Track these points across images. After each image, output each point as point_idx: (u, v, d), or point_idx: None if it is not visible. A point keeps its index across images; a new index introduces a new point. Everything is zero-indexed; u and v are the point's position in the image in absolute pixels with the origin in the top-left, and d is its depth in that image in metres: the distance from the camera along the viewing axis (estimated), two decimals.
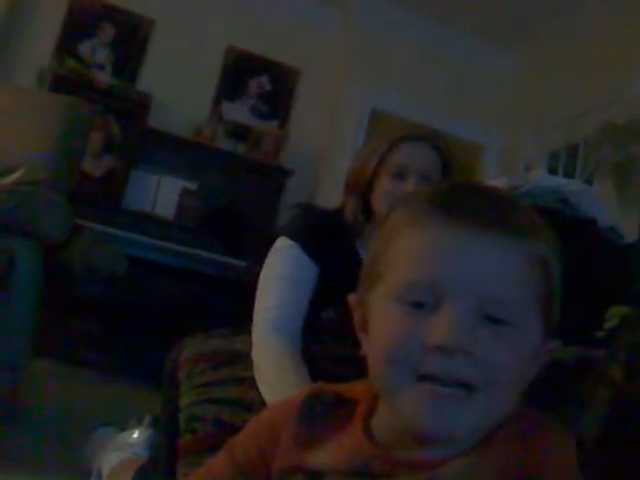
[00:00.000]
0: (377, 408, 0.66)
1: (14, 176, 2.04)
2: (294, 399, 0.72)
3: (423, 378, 0.57)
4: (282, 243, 1.38)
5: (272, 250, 1.39)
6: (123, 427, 1.63)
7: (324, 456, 0.64)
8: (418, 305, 0.58)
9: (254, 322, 1.31)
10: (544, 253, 0.61)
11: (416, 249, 0.60)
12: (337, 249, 1.38)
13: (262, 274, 1.37)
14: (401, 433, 0.61)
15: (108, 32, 4.19)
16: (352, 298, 0.68)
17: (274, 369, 1.20)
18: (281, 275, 1.33)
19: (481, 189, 0.65)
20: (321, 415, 0.68)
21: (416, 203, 0.63)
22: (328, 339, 1.31)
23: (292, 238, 1.36)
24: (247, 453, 0.71)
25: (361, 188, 1.40)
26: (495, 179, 1.50)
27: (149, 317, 3.48)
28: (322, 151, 4.38)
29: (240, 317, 1.40)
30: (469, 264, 0.57)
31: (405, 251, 0.61)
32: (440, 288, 0.57)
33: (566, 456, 0.60)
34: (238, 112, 4.37)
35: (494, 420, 0.60)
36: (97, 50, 4.17)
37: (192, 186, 3.97)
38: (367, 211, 1.41)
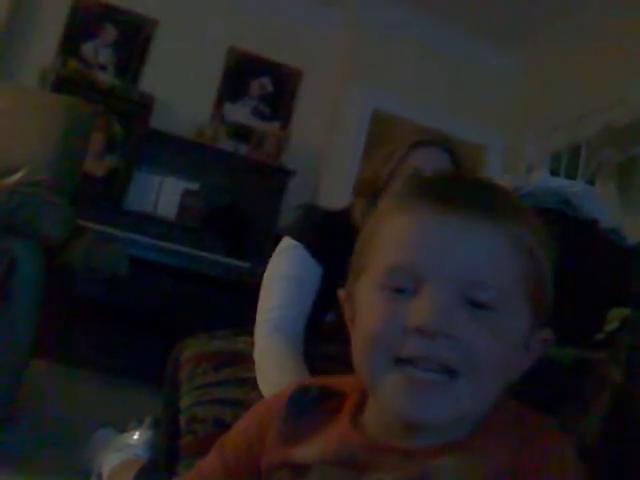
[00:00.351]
0: (368, 401, 0.66)
1: (16, 176, 2.04)
2: (281, 395, 0.71)
3: (403, 362, 0.56)
4: (286, 243, 1.37)
5: (276, 250, 1.38)
6: (123, 428, 1.63)
7: (311, 449, 0.64)
8: (399, 291, 0.58)
9: (257, 322, 1.31)
10: (528, 239, 0.60)
11: (398, 235, 0.60)
12: (341, 251, 1.37)
13: (266, 274, 1.37)
14: (389, 424, 0.61)
15: (110, 33, 4.19)
16: (341, 293, 0.68)
17: (276, 370, 1.20)
18: (285, 276, 1.33)
19: (465, 177, 0.67)
20: (308, 409, 0.68)
21: (402, 192, 0.64)
22: (330, 341, 1.30)
23: (296, 238, 1.36)
24: (237, 452, 0.71)
25: (373, 190, 1.39)
26: (498, 179, 1.50)
27: (151, 318, 3.48)
28: (324, 151, 4.38)
29: (242, 318, 1.40)
30: (449, 249, 0.58)
31: (388, 238, 0.61)
32: (420, 272, 0.57)
33: (563, 457, 0.60)
34: (240, 113, 4.38)
35: (480, 408, 0.59)
36: (99, 51, 4.17)
37: (194, 187, 3.97)
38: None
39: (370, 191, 1.40)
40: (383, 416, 0.62)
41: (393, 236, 0.61)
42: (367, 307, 0.61)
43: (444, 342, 0.55)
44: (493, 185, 0.65)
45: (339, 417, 0.66)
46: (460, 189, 0.62)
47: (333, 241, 1.36)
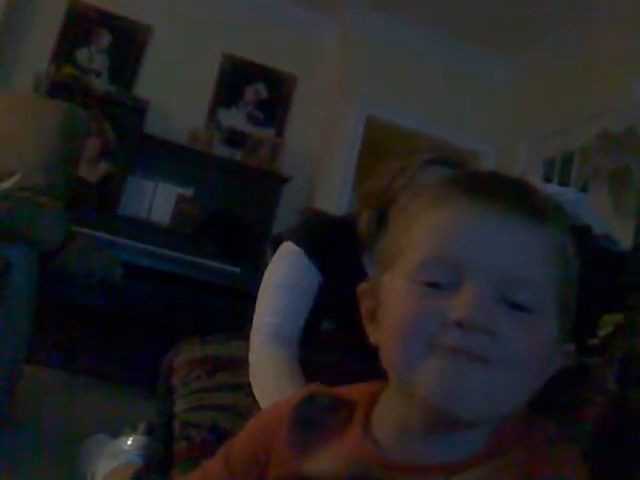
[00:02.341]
0: (379, 406, 0.64)
1: (10, 181, 2.04)
2: (288, 402, 0.70)
3: (440, 350, 0.55)
4: (288, 248, 1.35)
5: (277, 254, 1.37)
6: (117, 434, 1.62)
7: (322, 462, 0.62)
8: (435, 286, 0.57)
9: (253, 328, 1.31)
10: (566, 244, 0.60)
11: (438, 228, 0.59)
12: (343, 260, 1.37)
13: (265, 278, 1.35)
14: (409, 428, 0.59)
15: (105, 38, 4.20)
16: (362, 286, 0.67)
17: (271, 377, 1.20)
18: (284, 283, 1.32)
19: (500, 174, 0.65)
20: (317, 419, 0.66)
21: (437, 187, 0.62)
22: (326, 349, 1.30)
23: (298, 244, 1.34)
24: (242, 458, 0.70)
25: (381, 203, 1.39)
26: None
27: (145, 323, 3.47)
28: (318, 158, 4.38)
29: (236, 323, 1.40)
30: (492, 244, 0.57)
31: (426, 230, 0.60)
32: (462, 266, 0.56)
33: (578, 471, 0.59)
34: (234, 119, 4.38)
35: (504, 412, 0.58)
36: (94, 56, 4.18)
37: (188, 192, 3.97)
38: (381, 225, 1.40)
39: (378, 203, 1.39)
40: (402, 416, 0.60)
41: (432, 229, 0.59)
42: (399, 298, 0.59)
43: (483, 336, 0.54)
44: (533, 186, 0.63)
45: (350, 427, 0.64)
46: (502, 185, 0.61)
47: (335, 250, 1.36)
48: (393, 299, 0.60)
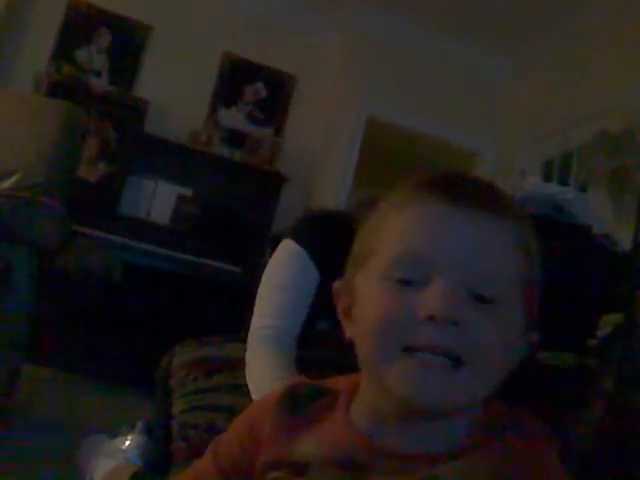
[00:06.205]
0: (357, 395, 0.67)
1: (10, 181, 2.04)
2: (272, 395, 0.72)
3: (411, 349, 0.58)
4: (289, 247, 1.33)
5: (278, 252, 1.35)
6: (115, 434, 1.62)
7: (307, 447, 0.64)
8: (406, 282, 0.59)
9: (251, 329, 1.30)
10: (529, 241, 0.63)
11: (407, 226, 0.62)
12: (343, 261, 1.37)
13: (265, 277, 1.34)
14: (387, 417, 0.62)
15: (105, 38, 4.20)
16: (337, 284, 0.69)
17: (267, 379, 1.19)
18: (283, 284, 1.30)
19: (467, 175, 0.68)
20: (301, 406, 0.69)
21: (404, 189, 0.65)
22: (322, 348, 1.30)
23: (300, 244, 1.32)
24: (230, 453, 0.71)
25: None
26: None
27: (144, 323, 3.47)
28: (318, 157, 4.38)
29: (235, 322, 1.39)
30: (461, 242, 0.59)
31: (397, 229, 0.62)
32: (431, 263, 0.59)
33: (550, 464, 0.60)
34: (234, 118, 4.38)
35: (479, 400, 0.61)
36: (94, 56, 4.17)
37: (188, 192, 3.97)
38: None
39: None
40: (379, 407, 0.62)
41: (402, 227, 0.62)
42: (371, 297, 0.62)
43: (453, 330, 0.57)
44: (498, 187, 0.67)
45: (333, 413, 0.67)
46: (469, 185, 0.64)
47: (335, 250, 1.34)
48: (366, 298, 0.63)
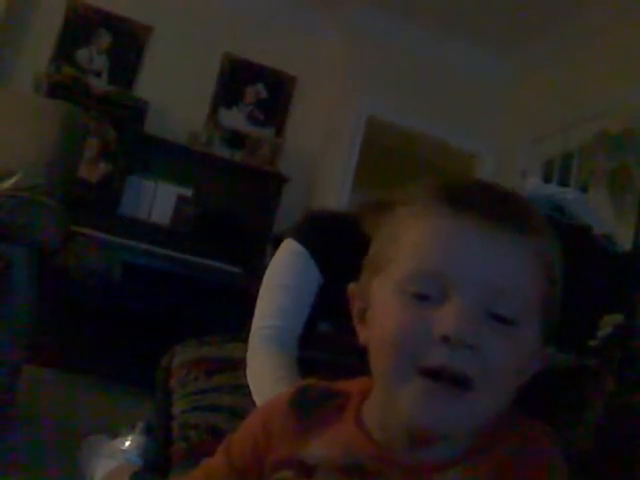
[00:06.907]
0: (368, 400, 0.66)
1: (10, 182, 2.04)
2: (284, 394, 0.72)
3: (424, 372, 0.56)
4: (291, 247, 1.32)
5: (280, 252, 1.34)
6: (115, 434, 1.62)
7: (317, 448, 0.64)
8: (422, 297, 0.58)
9: (253, 329, 1.30)
10: (550, 254, 0.61)
11: (425, 241, 0.60)
12: (344, 262, 1.36)
13: (267, 277, 1.33)
14: (395, 431, 0.61)
15: (105, 39, 4.20)
16: (352, 287, 0.68)
17: (268, 379, 1.19)
18: (285, 284, 1.30)
19: (489, 185, 0.65)
20: (312, 407, 0.68)
21: (424, 197, 0.63)
22: (323, 350, 1.30)
23: (303, 244, 1.31)
24: (243, 453, 0.71)
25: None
26: None
27: (144, 323, 3.47)
28: (318, 158, 4.38)
29: (236, 323, 1.39)
30: (478, 258, 0.58)
31: (413, 243, 0.60)
32: (448, 279, 0.57)
33: (561, 470, 0.60)
34: (235, 119, 4.38)
35: (488, 419, 0.59)
36: (94, 57, 4.17)
37: (188, 192, 3.97)
38: None
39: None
40: (388, 422, 0.62)
41: (418, 240, 0.60)
42: (387, 307, 0.60)
43: (467, 353, 0.56)
44: (517, 196, 0.64)
45: (344, 416, 0.66)
46: (487, 198, 0.61)
47: (337, 250, 1.34)
48: (382, 308, 0.61)
